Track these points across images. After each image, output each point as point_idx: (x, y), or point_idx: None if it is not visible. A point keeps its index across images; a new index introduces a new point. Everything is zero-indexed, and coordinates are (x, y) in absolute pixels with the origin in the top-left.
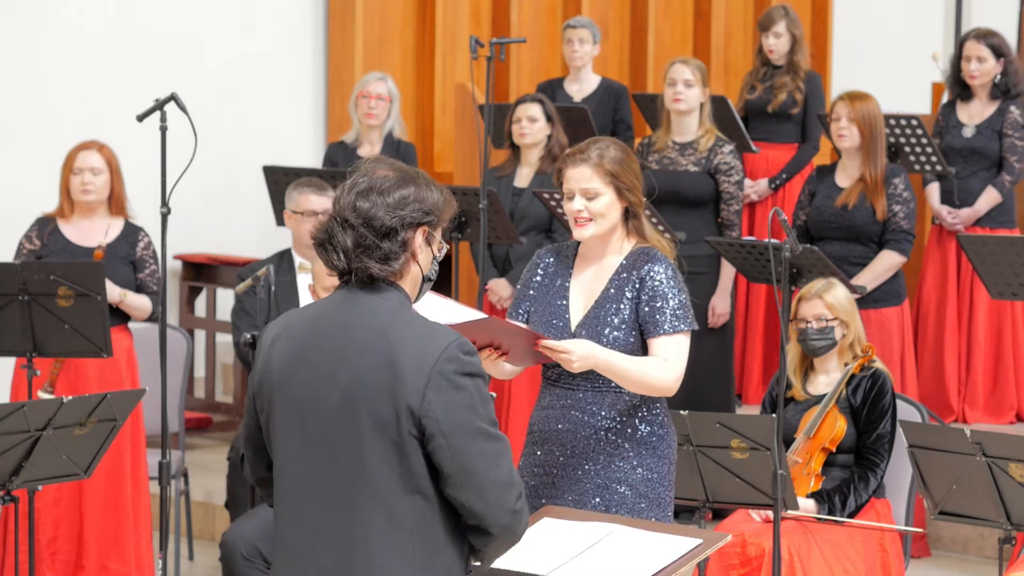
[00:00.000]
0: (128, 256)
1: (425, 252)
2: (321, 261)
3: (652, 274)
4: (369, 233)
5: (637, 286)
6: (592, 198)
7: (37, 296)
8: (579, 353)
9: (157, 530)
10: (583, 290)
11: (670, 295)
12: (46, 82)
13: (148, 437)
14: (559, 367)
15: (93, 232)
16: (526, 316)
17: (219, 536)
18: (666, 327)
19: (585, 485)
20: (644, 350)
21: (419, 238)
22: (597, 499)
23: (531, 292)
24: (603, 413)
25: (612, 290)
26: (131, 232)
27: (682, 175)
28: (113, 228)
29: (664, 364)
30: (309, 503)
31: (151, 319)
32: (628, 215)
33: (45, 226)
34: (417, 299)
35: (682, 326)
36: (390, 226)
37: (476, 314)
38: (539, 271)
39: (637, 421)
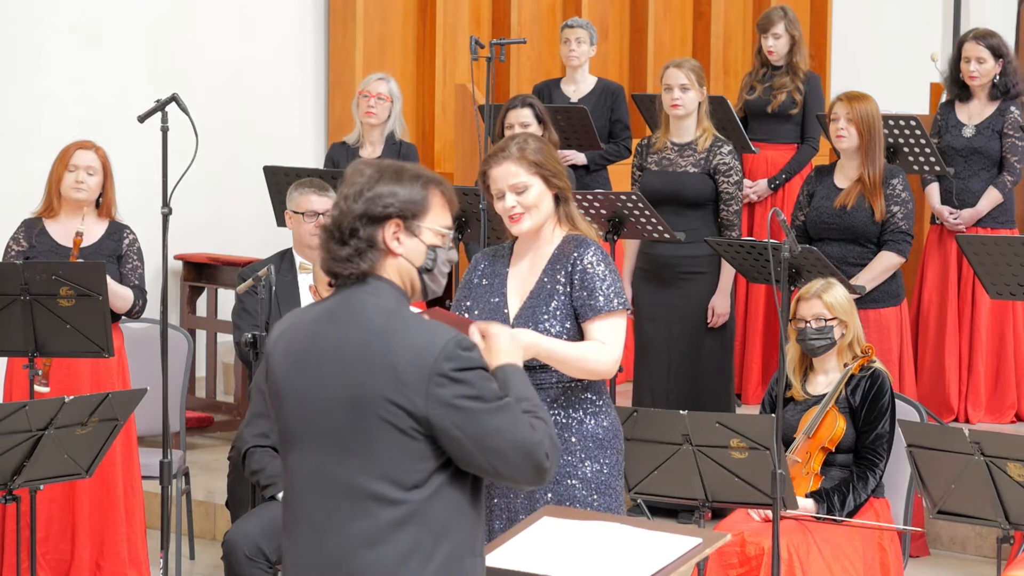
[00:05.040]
0: (114, 252)
1: (410, 244)
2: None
3: (582, 259)
4: (336, 236)
5: (569, 272)
6: (522, 192)
7: (39, 296)
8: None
9: (158, 529)
10: (519, 284)
11: (601, 278)
12: (47, 82)
13: (149, 437)
14: None
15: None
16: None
17: (220, 535)
18: (600, 309)
19: None
20: (581, 337)
21: (389, 231)
22: (549, 495)
23: (469, 294)
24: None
25: (546, 280)
26: (116, 230)
27: (682, 176)
28: (98, 227)
29: (602, 347)
30: (314, 501)
31: (132, 313)
32: (558, 202)
33: (32, 227)
34: (426, 292)
35: (615, 307)
36: (352, 227)
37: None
38: (476, 273)
39: (582, 415)
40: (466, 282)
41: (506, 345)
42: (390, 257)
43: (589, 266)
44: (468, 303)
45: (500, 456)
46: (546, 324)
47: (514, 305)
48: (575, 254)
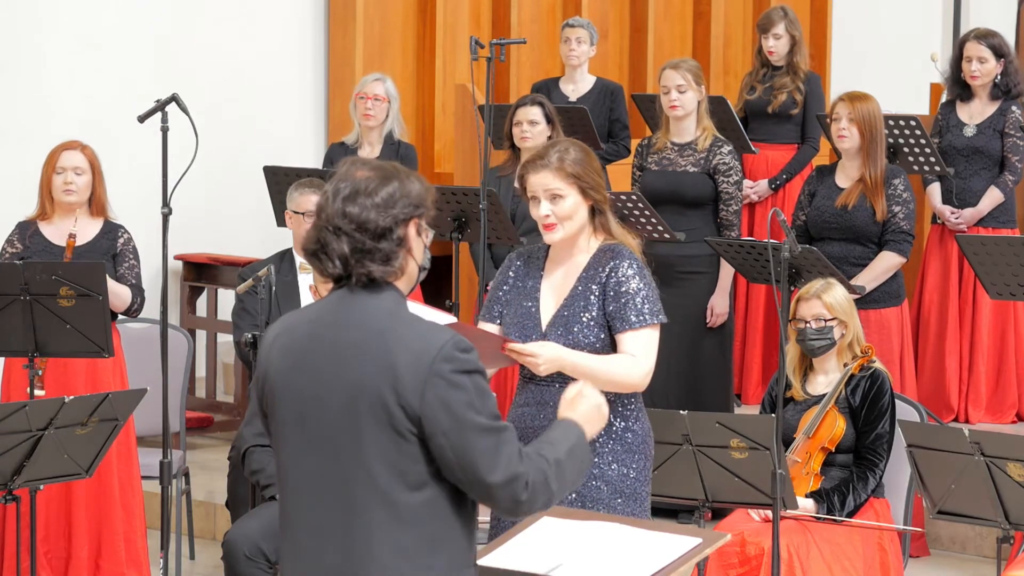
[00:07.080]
0: (109, 251)
1: (418, 244)
2: (315, 269)
3: (617, 270)
4: (365, 237)
5: (603, 283)
6: (557, 201)
7: (39, 296)
8: (545, 356)
9: (158, 529)
10: (553, 290)
11: (635, 290)
12: (48, 82)
13: (149, 437)
14: None
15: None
16: (499, 319)
17: (220, 535)
18: (632, 322)
19: None
20: (615, 347)
21: (412, 231)
22: (573, 495)
23: (502, 295)
24: None
25: (580, 288)
26: (111, 229)
27: (682, 176)
28: (92, 227)
29: (632, 360)
30: (311, 503)
31: (130, 311)
32: (594, 212)
33: (26, 229)
34: (412, 288)
35: (649, 320)
36: (385, 226)
37: (444, 317)
38: (510, 274)
39: (612, 416)
40: (499, 283)
41: (584, 410)
42: (409, 258)
43: (624, 279)
44: (499, 306)
45: (476, 477)
46: (579, 333)
47: (547, 311)
48: (610, 265)
